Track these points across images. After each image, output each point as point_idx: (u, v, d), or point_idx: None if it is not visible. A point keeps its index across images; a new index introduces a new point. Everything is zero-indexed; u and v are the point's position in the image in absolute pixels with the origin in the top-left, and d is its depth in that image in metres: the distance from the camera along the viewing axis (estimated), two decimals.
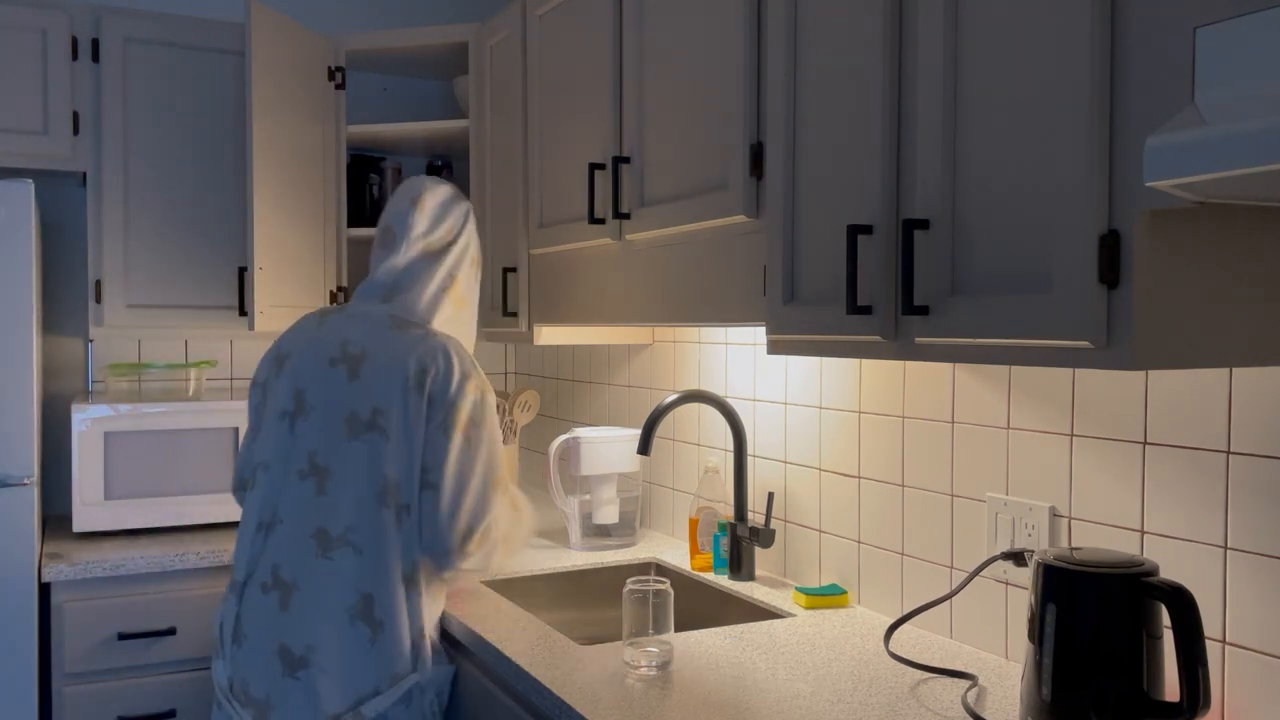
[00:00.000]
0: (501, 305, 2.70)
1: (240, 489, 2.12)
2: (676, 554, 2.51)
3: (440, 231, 2.11)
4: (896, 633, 1.89)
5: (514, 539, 2.06)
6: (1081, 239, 1.15)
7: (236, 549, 1.99)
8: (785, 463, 2.26)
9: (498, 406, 2.97)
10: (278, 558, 1.90)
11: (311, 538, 1.89)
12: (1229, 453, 1.40)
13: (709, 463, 2.41)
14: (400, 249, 2.08)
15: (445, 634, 2.08)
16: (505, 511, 2.02)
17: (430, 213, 2.11)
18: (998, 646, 1.75)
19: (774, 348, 1.65)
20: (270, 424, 2.00)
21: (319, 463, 1.92)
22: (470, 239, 2.16)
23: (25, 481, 2.38)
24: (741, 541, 2.24)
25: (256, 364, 2.07)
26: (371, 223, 3.25)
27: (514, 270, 2.61)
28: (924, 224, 1.35)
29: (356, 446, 1.91)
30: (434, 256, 2.10)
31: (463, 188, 3.40)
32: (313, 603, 1.86)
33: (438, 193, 2.13)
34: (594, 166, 2.14)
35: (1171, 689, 1.40)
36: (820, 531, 2.16)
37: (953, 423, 1.84)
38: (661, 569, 2.44)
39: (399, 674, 1.88)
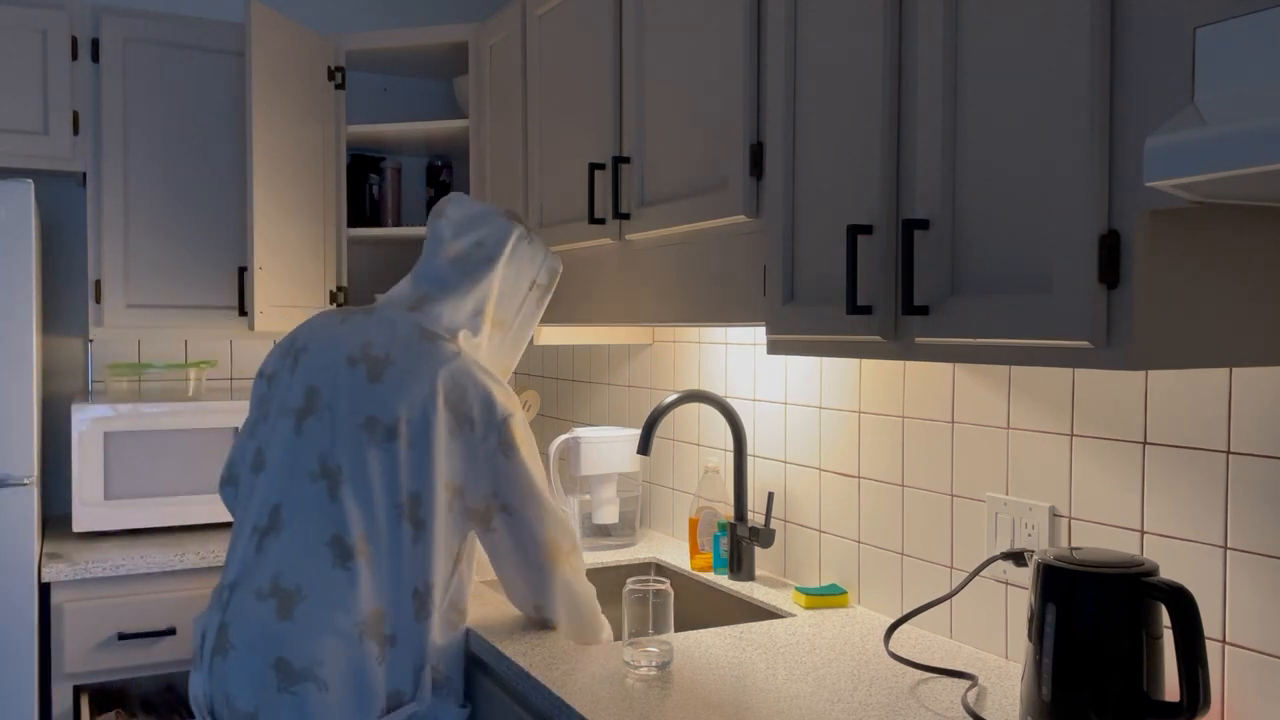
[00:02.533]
0: None
1: (230, 483, 2.00)
2: (676, 554, 2.51)
3: (465, 243, 2.01)
4: (896, 633, 1.89)
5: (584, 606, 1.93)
6: (1081, 239, 1.15)
7: (229, 552, 1.88)
8: (785, 463, 2.26)
9: None
10: (279, 564, 1.78)
11: (325, 545, 1.77)
12: (1229, 453, 1.40)
13: (709, 463, 2.41)
14: (427, 258, 2.02)
15: (470, 671, 1.96)
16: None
17: (456, 222, 2.03)
18: (998, 646, 1.75)
19: (774, 348, 1.65)
20: (274, 420, 1.90)
21: (330, 465, 1.81)
22: (522, 262, 2.04)
23: (25, 481, 2.38)
24: (741, 541, 2.24)
25: (261, 360, 2.00)
26: (371, 223, 3.25)
27: None
28: (924, 224, 1.35)
29: (374, 453, 1.80)
30: (467, 272, 1.99)
31: (462, 188, 3.40)
32: (321, 614, 1.74)
33: (465, 205, 2.06)
34: (594, 166, 2.14)
35: (1171, 689, 1.40)
36: (820, 531, 2.16)
37: (953, 423, 1.84)
38: (661, 569, 2.44)
39: (401, 700, 1.79)
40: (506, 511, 1.85)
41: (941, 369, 1.86)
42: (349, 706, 1.74)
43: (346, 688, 1.74)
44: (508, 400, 1.88)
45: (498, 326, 2.03)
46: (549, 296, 2.11)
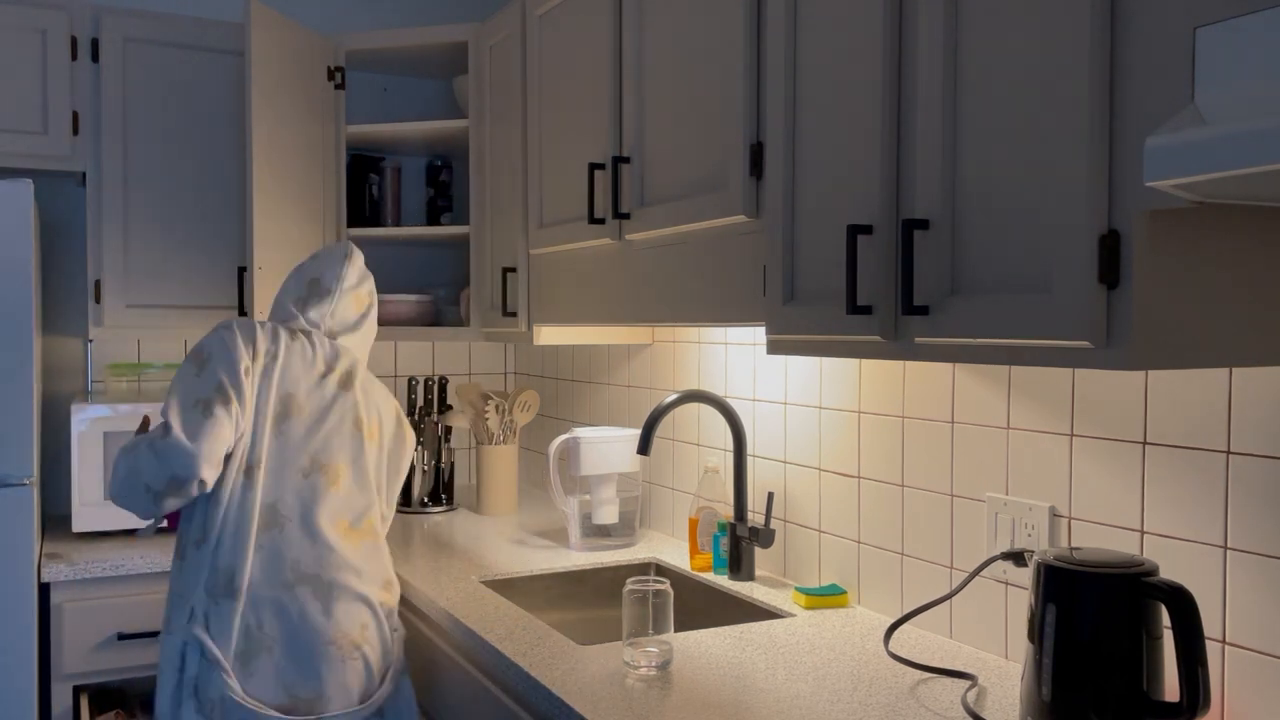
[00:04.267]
0: (501, 305, 2.70)
1: (210, 464, 1.93)
2: (676, 554, 2.51)
3: (363, 291, 2.22)
4: (896, 633, 1.89)
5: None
6: (1081, 239, 1.15)
7: (229, 555, 1.92)
8: (785, 463, 2.26)
9: (497, 407, 2.98)
10: (295, 554, 1.95)
11: (333, 529, 1.98)
12: (1229, 453, 1.40)
13: (709, 463, 2.41)
14: (334, 296, 2.17)
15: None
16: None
17: (358, 270, 2.22)
18: (998, 646, 1.75)
19: (774, 348, 1.65)
20: (253, 423, 1.98)
21: (324, 461, 2.02)
22: (375, 311, 2.28)
23: (25, 481, 2.38)
24: (741, 541, 2.24)
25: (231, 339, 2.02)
26: (371, 223, 3.25)
27: (514, 270, 2.61)
28: (924, 224, 1.35)
29: (362, 450, 2.07)
30: (362, 314, 2.22)
31: (463, 187, 3.40)
32: (352, 590, 1.97)
33: (360, 257, 2.25)
34: (594, 166, 2.14)
35: (1171, 689, 1.39)
36: (820, 531, 2.16)
37: (952, 423, 1.84)
38: (661, 569, 2.44)
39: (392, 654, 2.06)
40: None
41: (941, 369, 1.86)
42: (381, 664, 2.04)
43: (379, 650, 2.04)
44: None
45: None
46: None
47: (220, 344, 1.99)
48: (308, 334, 2.12)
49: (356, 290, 2.20)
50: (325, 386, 2.07)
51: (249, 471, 1.96)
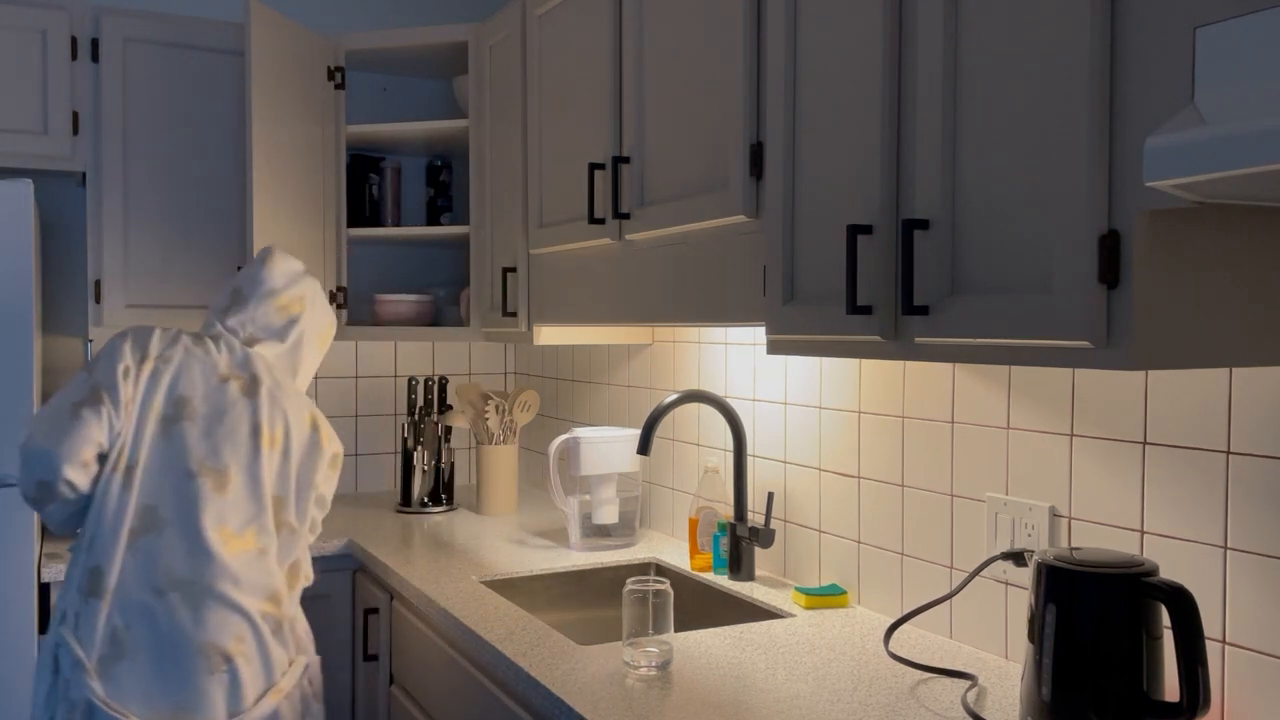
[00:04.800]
0: (501, 305, 2.70)
1: (76, 465, 1.94)
2: (676, 554, 2.51)
3: (289, 295, 2.18)
4: (896, 633, 1.89)
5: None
6: (1081, 239, 1.15)
7: (98, 554, 1.91)
8: (785, 463, 2.26)
9: (497, 407, 2.98)
10: (169, 560, 1.90)
11: (215, 535, 1.93)
12: (1229, 453, 1.40)
13: (709, 463, 2.41)
14: (251, 304, 2.16)
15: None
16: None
17: (282, 274, 2.19)
18: (998, 646, 1.75)
19: (774, 348, 1.65)
20: (135, 425, 1.97)
21: (212, 465, 1.97)
22: (317, 316, 2.22)
23: None
24: (741, 541, 2.24)
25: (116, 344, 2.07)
26: (371, 223, 3.25)
27: (514, 270, 2.61)
28: (924, 224, 1.35)
29: (256, 456, 2.01)
30: (290, 320, 2.18)
31: (463, 187, 3.40)
32: (227, 599, 1.91)
33: (288, 261, 2.22)
34: (594, 166, 2.14)
35: (1171, 689, 1.39)
36: (820, 531, 2.16)
37: (952, 423, 1.84)
38: (661, 569, 2.44)
39: (288, 662, 2.01)
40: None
41: (941, 369, 1.86)
42: (264, 676, 1.97)
43: (261, 659, 1.97)
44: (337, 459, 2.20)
45: (305, 372, 2.25)
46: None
47: (107, 349, 2.03)
48: (218, 339, 2.11)
49: (280, 296, 2.17)
50: (225, 392, 2.03)
51: (127, 472, 1.94)
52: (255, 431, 2.03)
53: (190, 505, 1.94)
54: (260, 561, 1.98)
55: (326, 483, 2.15)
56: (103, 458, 1.94)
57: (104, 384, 1.96)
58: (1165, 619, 1.40)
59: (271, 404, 2.07)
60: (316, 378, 3.32)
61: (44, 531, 2.79)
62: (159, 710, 1.86)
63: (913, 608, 1.93)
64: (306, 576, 2.11)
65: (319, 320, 2.23)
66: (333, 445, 2.16)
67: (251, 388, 2.06)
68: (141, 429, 1.96)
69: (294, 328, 2.17)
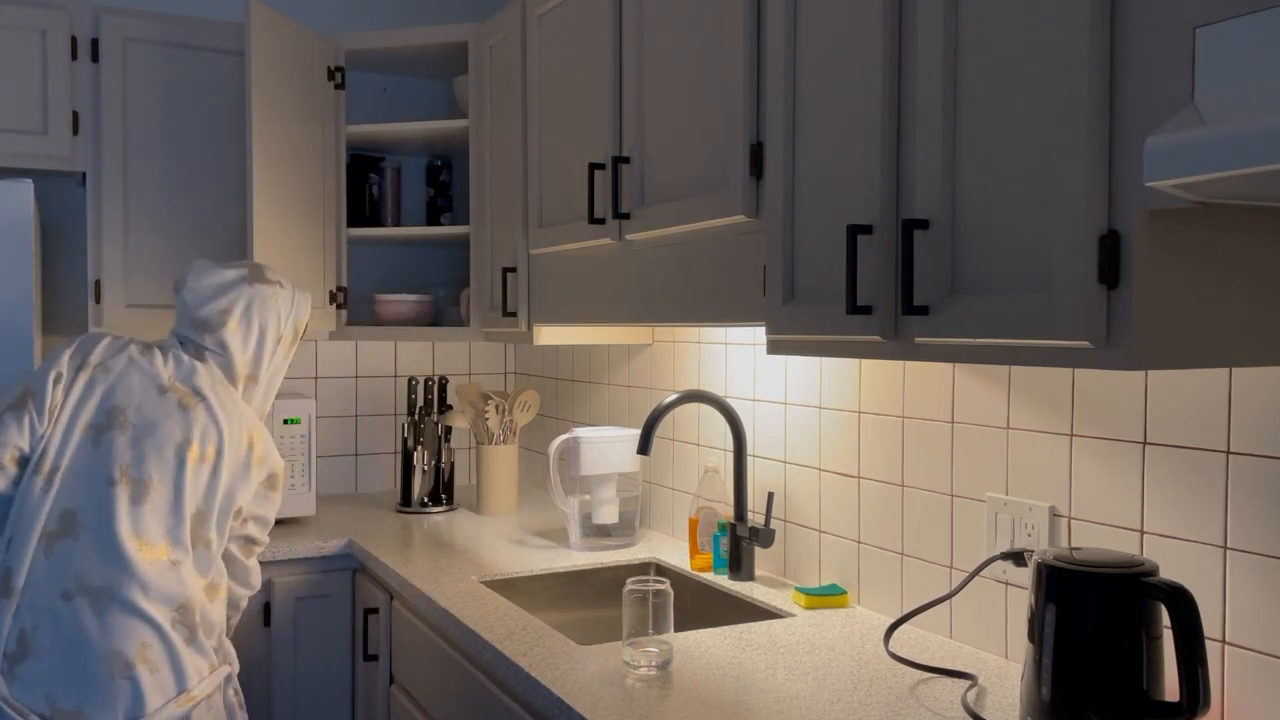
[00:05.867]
0: (501, 305, 2.70)
1: None
2: (676, 554, 2.51)
3: (210, 310, 2.18)
4: (896, 633, 1.89)
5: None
6: (1081, 239, 1.15)
7: (11, 555, 1.93)
8: (785, 463, 2.26)
9: (497, 407, 2.98)
10: (82, 565, 1.91)
11: (130, 543, 1.94)
12: (1229, 453, 1.40)
13: (709, 463, 2.41)
14: (184, 319, 2.19)
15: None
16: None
17: (197, 292, 2.19)
18: (998, 646, 1.75)
19: (774, 348, 1.65)
20: (63, 431, 2.00)
21: (134, 475, 1.98)
22: (266, 319, 2.22)
23: None
24: (741, 541, 2.24)
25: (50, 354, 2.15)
26: (371, 223, 3.26)
27: (514, 270, 2.61)
28: (924, 224, 1.35)
29: (181, 470, 2.02)
30: (217, 339, 2.18)
31: (463, 187, 3.40)
32: (134, 607, 1.91)
33: (205, 274, 2.22)
34: (594, 166, 2.14)
35: (1171, 689, 1.40)
36: (820, 531, 2.16)
37: (953, 423, 1.84)
38: (661, 569, 2.44)
39: (209, 670, 2.01)
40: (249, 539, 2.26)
41: (941, 369, 1.86)
42: (170, 684, 1.94)
43: (170, 668, 1.95)
44: (276, 472, 2.22)
45: (250, 381, 2.22)
46: (296, 345, 2.27)
47: (49, 355, 2.09)
48: (166, 351, 2.13)
49: (202, 309, 2.17)
50: (162, 403, 2.05)
51: (49, 476, 1.96)
52: (185, 445, 2.04)
53: (107, 512, 1.95)
54: (173, 572, 1.98)
55: (260, 502, 2.18)
56: (25, 461, 1.99)
57: (33, 389, 2.02)
58: (1165, 619, 1.40)
59: (209, 419, 2.08)
60: (316, 378, 3.32)
61: None
62: (61, 711, 1.87)
63: (913, 608, 1.93)
64: (239, 590, 2.22)
65: (258, 328, 2.22)
66: (268, 466, 2.17)
67: (190, 401, 2.07)
68: (69, 435, 2.00)
69: (224, 341, 2.18)
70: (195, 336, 2.17)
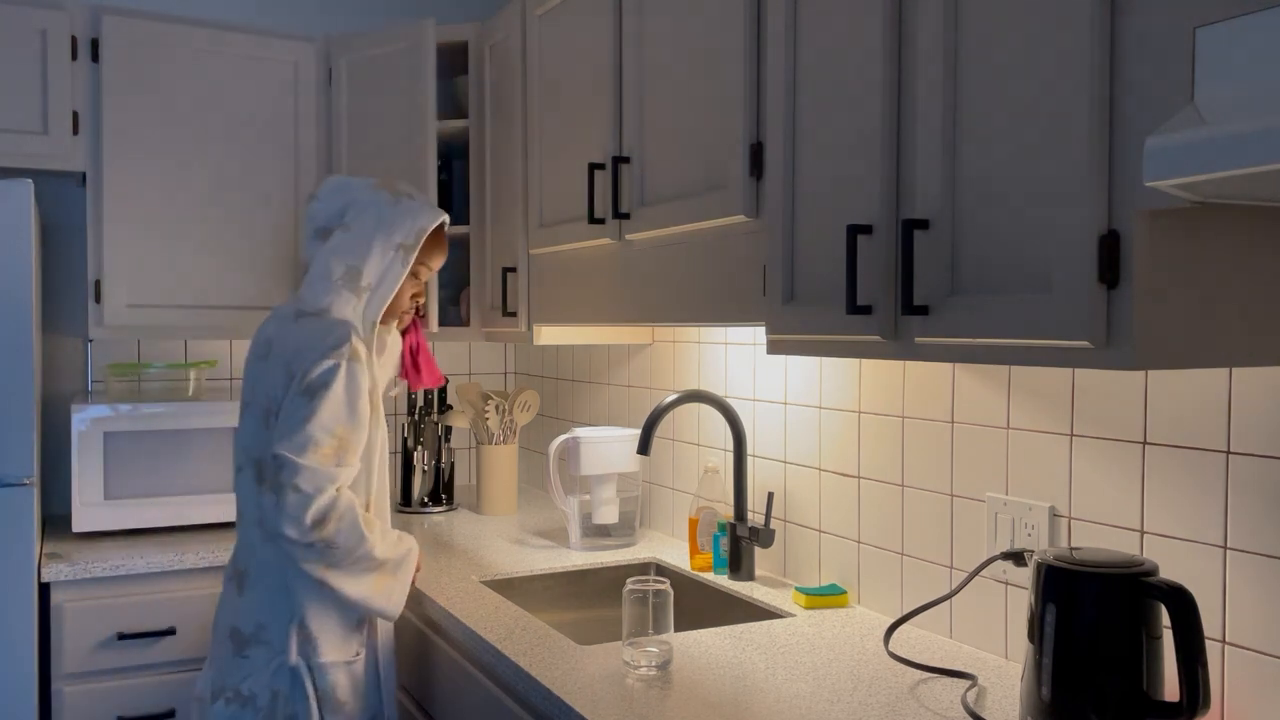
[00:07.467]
0: (501, 305, 2.70)
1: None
2: (676, 554, 2.51)
3: (326, 214, 2.09)
4: (896, 633, 1.89)
5: (358, 552, 1.94)
6: (1081, 239, 1.15)
7: None
8: (785, 463, 2.26)
9: (497, 407, 2.98)
10: (236, 547, 2.08)
11: (256, 527, 2.02)
12: (1229, 453, 1.40)
13: (709, 463, 2.41)
14: (303, 243, 2.15)
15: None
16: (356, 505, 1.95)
17: (322, 199, 2.11)
18: (998, 646, 1.75)
19: (774, 348, 1.65)
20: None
21: (253, 456, 2.03)
22: (383, 224, 2.06)
23: (25, 481, 2.38)
24: (741, 541, 2.24)
25: None
26: None
27: (514, 270, 2.61)
28: (924, 224, 1.35)
29: (268, 437, 2.00)
30: (324, 241, 2.08)
31: (463, 187, 3.40)
32: (262, 585, 2.01)
33: (331, 182, 2.14)
34: (594, 166, 2.14)
35: (1171, 689, 1.39)
36: (820, 531, 2.16)
37: (953, 423, 1.84)
38: (661, 569, 2.44)
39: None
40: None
41: (941, 369, 1.86)
42: (279, 658, 2.00)
43: (279, 643, 1.99)
44: (325, 355, 1.93)
45: (361, 289, 2.05)
46: (414, 255, 2.09)
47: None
48: (286, 316, 2.08)
49: (319, 234, 2.09)
50: (251, 366, 2.09)
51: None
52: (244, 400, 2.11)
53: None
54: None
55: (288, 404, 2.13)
56: None
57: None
58: (1165, 619, 1.40)
59: (267, 367, 2.05)
60: None
61: (44, 531, 2.79)
62: None
63: (913, 608, 1.93)
64: None
65: (353, 220, 2.08)
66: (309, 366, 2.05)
67: (261, 354, 2.08)
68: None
69: (325, 250, 2.08)
70: (307, 256, 2.17)
